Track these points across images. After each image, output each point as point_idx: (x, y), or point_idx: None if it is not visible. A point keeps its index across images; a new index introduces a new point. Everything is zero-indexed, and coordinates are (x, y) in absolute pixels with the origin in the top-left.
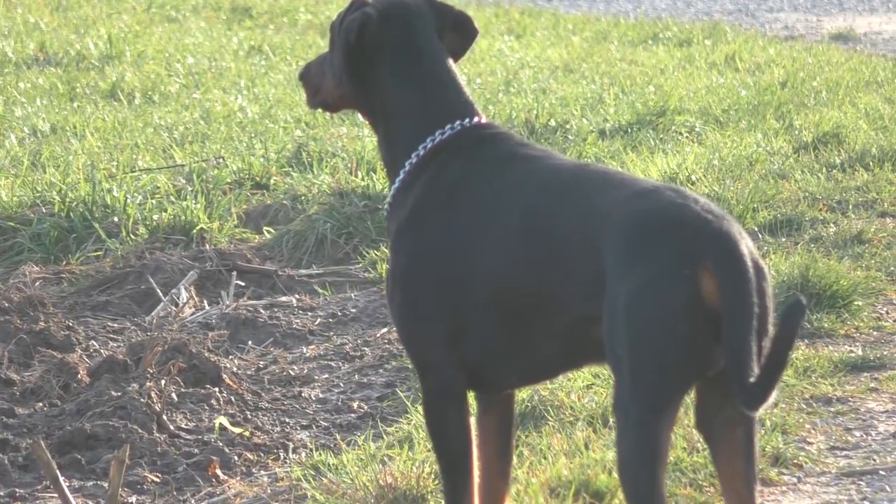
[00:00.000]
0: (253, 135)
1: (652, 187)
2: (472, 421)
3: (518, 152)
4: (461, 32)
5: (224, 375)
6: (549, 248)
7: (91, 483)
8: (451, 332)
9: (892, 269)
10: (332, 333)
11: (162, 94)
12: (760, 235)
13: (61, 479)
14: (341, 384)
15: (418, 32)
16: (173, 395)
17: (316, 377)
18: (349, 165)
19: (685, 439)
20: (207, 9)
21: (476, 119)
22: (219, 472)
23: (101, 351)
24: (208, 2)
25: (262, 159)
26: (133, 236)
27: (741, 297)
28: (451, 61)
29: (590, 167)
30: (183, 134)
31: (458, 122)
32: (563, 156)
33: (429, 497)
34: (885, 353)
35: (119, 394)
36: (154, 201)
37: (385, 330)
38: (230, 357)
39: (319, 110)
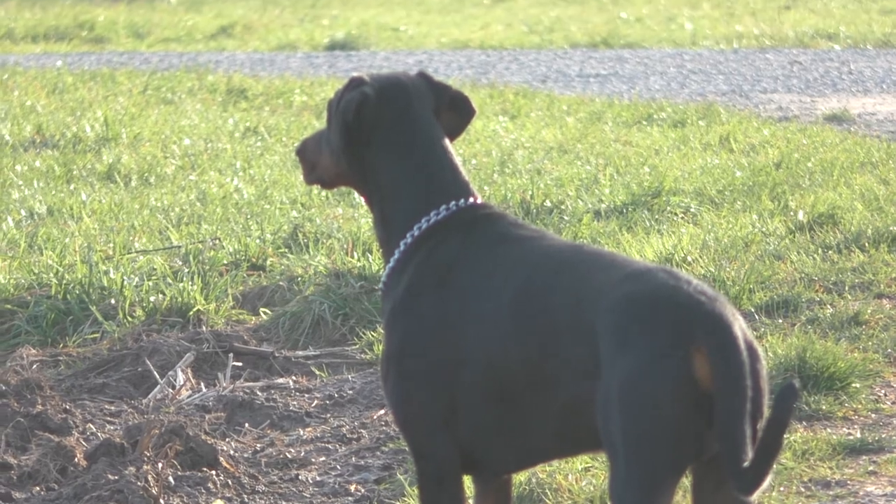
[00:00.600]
0: (249, 216)
1: (644, 269)
2: None
3: (512, 233)
4: (458, 112)
5: (221, 458)
6: (543, 330)
7: None
8: (446, 413)
9: (889, 350)
10: (328, 415)
11: (158, 176)
12: (757, 317)
13: None
14: (338, 467)
15: (415, 112)
16: (170, 478)
17: (313, 460)
18: (345, 246)
19: None
20: (203, 91)
21: (471, 199)
22: None
23: (99, 434)
24: (204, 84)
25: (258, 240)
26: (130, 318)
27: (735, 379)
28: (447, 141)
29: (583, 248)
30: (179, 215)
31: (453, 203)
32: (557, 236)
33: None
34: (883, 435)
35: (116, 477)
36: (151, 283)
37: (382, 412)
38: (227, 440)
39: (316, 188)
